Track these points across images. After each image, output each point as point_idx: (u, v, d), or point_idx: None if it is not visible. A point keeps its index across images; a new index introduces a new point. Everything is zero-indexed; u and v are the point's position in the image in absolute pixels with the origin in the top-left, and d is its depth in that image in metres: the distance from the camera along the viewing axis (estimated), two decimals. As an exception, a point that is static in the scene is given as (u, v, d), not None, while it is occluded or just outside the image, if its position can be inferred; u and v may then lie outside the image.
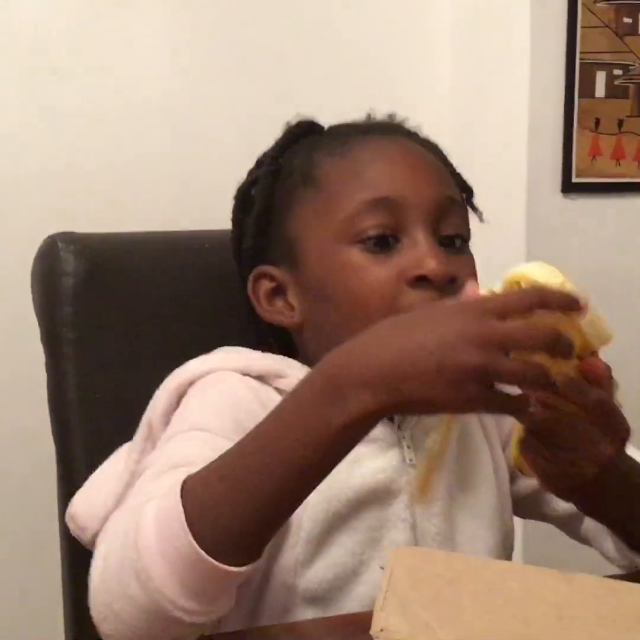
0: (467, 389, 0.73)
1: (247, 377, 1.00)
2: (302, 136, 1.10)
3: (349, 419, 0.74)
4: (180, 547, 0.75)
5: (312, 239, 1.03)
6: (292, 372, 1.01)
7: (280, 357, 1.04)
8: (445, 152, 1.11)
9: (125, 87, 1.71)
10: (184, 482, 0.78)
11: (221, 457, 0.81)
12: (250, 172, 1.11)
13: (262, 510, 0.78)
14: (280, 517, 0.81)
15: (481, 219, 1.11)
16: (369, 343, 0.77)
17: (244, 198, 1.10)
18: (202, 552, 0.75)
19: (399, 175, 1.02)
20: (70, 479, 1.11)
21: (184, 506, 0.76)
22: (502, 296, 0.80)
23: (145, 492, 0.85)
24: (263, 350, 1.05)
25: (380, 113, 1.12)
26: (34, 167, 1.64)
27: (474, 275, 1.04)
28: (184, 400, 0.99)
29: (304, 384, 0.78)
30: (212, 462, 0.81)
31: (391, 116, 1.13)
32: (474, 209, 1.11)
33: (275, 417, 0.79)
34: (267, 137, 1.11)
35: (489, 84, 1.91)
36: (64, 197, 1.62)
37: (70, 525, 1.05)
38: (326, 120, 1.11)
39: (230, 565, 0.76)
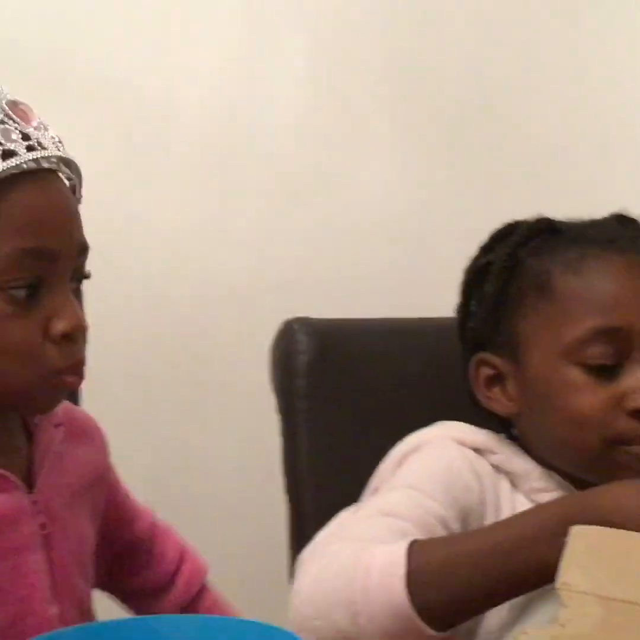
0: None
1: (464, 448, 1.10)
2: (540, 234, 1.14)
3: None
4: (394, 599, 0.87)
5: (538, 347, 1.10)
6: (504, 450, 1.11)
7: (493, 434, 1.14)
8: None
9: (353, 207, 1.88)
10: (413, 545, 0.89)
11: (450, 540, 0.94)
12: (482, 253, 1.17)
13: (471, 597, 0.89)
14: (486, 607, 0.93)
15: None
16: (604, 496, 0.86)
17: (474, 280, 1.17)
18: (413, 610, 0.86)
19: (630, 303, 1.07)
20: (301, 536, 1.24)
21: (407, 566, 0.87)
22: None
23: (357, 530, 0.98)
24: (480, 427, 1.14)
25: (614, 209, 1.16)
26: (276, 269, 1.84)
27: None
28: (405, 463, 1.09)
29: (542, 510, 0.91)
30: (441, 540, 0.94)
31: (623, 217, 1.16)
32: None
33: (510, 527, 0.90)
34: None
35: None
36: (299, 289, 1.81)
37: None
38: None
39: (431, 627, 0.87)
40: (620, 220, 1.15)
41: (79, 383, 0.92)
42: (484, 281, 1.15)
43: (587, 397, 1.06)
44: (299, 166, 1.87)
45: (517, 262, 1.13)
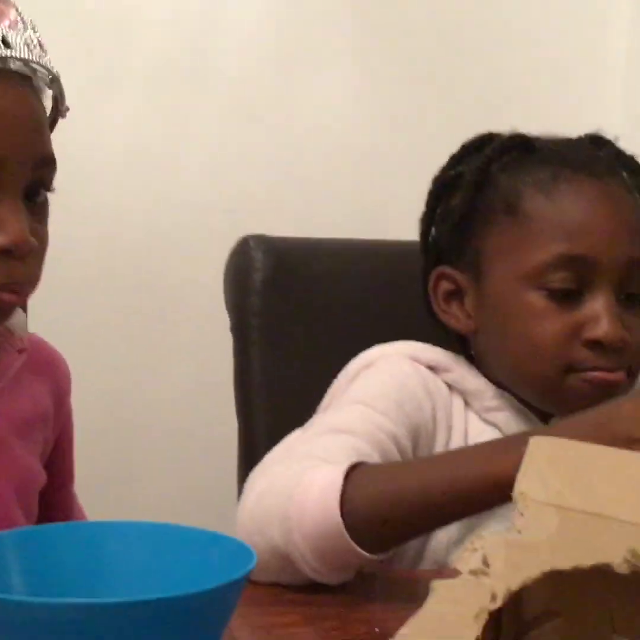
0: None
1: (418, 365, 1.09)
2: (513, 150, 1.11)
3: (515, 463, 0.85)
4: (328, 518, 0.85)
5: (500, 267, 1.08)
6: (458, 368, 1.10)
7: (448, 352, 1.12)
8: None
9: (311, 130, 1.85)
10: (354, 466, 0.88)
11: (392, 466, 0.94)
12: (452, 164, 1.14)
13: (411, 519, 0.88)
14: (424, 530, 0.93)
15: None
16: (561, 431, 0.83)
17: (442, 191, 1.14)
18: (344, 530, 0.85)
19: (598, 231, 1.05)
20: (251, 455, 1.23)
21: (344, 486, 0.85)
22: None
23: (308, 448, 0.96)
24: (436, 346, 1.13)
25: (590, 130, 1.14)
26: (233, 190, 1.81)
27: None
28: (358, 378, 1.08)
29: (492, 441, 0.91)
30: (383, 465, 0.93)
31: (598, 138, 1.13)
32: None
33: (456, 452, 0.92)
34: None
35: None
36: (259, 206, 1.79)
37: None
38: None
39: (363, 549, 0.86)
40: (595, 141, 1.13)
41: (18, 301, 0.87)
42: (451, 193, 1.13)
43: (546, 323, 1.04)
44: (258, 85, 1.84)
45: (488, 177, 1.10)
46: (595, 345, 1.03)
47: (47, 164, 0.88)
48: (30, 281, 0.87)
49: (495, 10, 1.92)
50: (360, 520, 0.85)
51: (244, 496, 0.94)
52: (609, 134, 1.14)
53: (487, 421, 1.08)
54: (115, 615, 0.57)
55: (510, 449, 0.79)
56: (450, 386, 1.10)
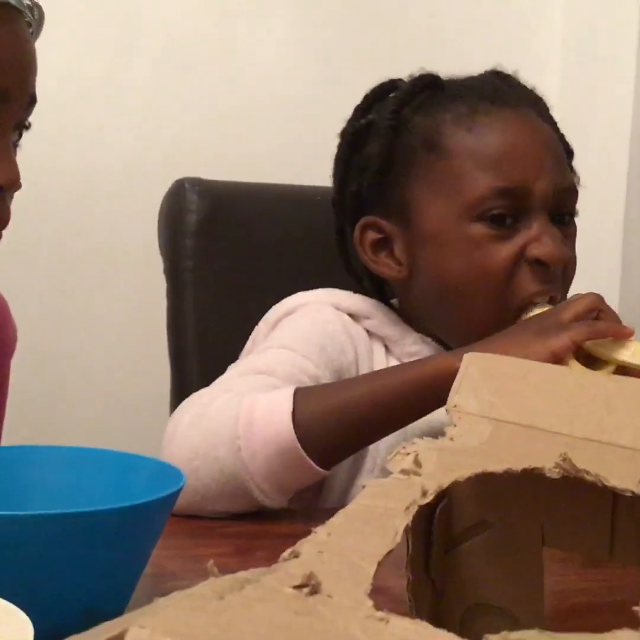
0: None
1: (339, 312, 1.08)
2: (424, 90, 1.09)
3: (435, 367, 0.88)
4: (279, 433, 0.86)
5: (432, 207, 1.06)
6: (378, 315, 1.10)
7: (369, 300, 1.12)
8: (548, 108, 1.12)
9: (248, 78, 1.84)
10: (299, 389, 0.89)
11: (338, 384, 0.96)
12: (360, 114, 1.12)
13: (362, 425, 0.90)
14: (366, 440, 0.94)
15: (578, 183, 1.13)
16: (493, 346, 0.88)
17: (354, 142, 1.11)
18: (297, 443, 0.86)
19: (525, 159, 1.04)
20: (183, 398, 1.21)
21: (294, 403, 0.87)
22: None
23: (235, 384, 0.96)
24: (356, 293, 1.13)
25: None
26: (168, 135, 1.80)
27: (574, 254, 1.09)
28: (280, 325, 1.07)
29: (437, 357, 0.93)
30: (328, 385, 0.95)
31: (500, 73, 1.13)
32: (572, 170, 1.13)
33: (402, 364, 0.94)
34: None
35: (593, 100, 1.94)
36: (194, 152, 1.78)
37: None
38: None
39: (314, 462, 0.87)
40: (498, 76, 1.13)
41: None
42: (364, 142, 1.10)
43: (491, 250, 1.03)
44: (195, 33, 1.82)
45: (402, 121, 1.08)
46: (540, 265, 1.03)
47: (33, 103, 0.87)
48: (8, 219, 0.84)
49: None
50: (311, 432, 0.86)
51: (170, 429, 0.92)
52: (508, 70, 1.13)
53: None
54: (35, 529, 0.56)
55: (456, 353, 0.88)
56: (370, 333, 1.09)
